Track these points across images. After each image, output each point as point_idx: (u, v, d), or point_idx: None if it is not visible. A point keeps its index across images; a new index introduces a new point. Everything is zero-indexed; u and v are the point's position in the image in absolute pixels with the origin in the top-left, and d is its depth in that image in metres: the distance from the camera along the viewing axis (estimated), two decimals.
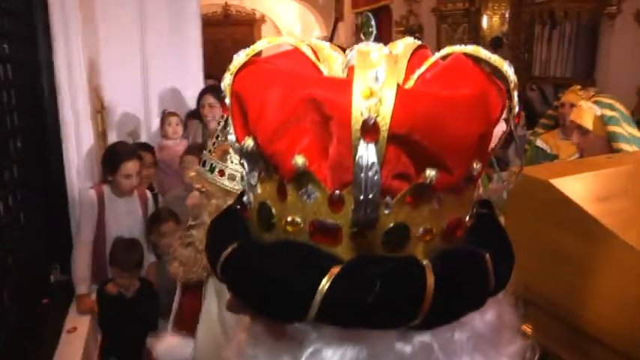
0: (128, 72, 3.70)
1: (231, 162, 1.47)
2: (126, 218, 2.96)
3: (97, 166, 3.12)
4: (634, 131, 2.36)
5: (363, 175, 0.46)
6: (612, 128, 2.35)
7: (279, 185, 0.52)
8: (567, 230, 1.16)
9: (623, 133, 2.34)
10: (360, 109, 0.46)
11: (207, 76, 4.25)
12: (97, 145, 3.23)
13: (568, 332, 1.19)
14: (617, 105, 2.41)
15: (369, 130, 0.46)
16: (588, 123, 2.39)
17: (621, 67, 4.91)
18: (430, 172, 0.49)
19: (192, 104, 3.84)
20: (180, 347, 1.64)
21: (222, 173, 1.47)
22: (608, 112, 2.37)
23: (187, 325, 1.67)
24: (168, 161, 3.43)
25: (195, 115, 3.67)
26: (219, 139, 1.50)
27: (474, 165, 0.52)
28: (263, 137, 0.51)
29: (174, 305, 1.71)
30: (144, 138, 3.73)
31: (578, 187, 1.18)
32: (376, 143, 0.47)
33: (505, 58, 0.55)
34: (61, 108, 2.83)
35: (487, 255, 0.54)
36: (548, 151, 3.11)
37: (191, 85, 3.88)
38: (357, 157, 0.47)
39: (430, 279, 0.49)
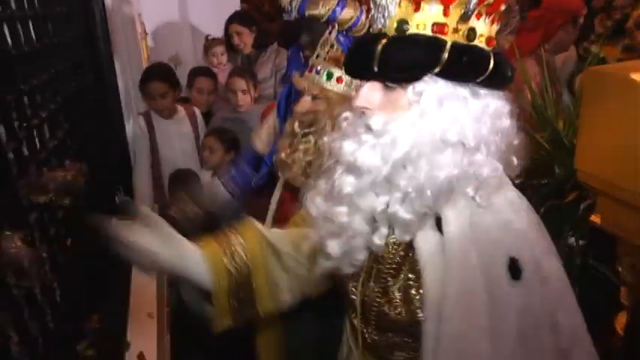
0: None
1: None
2: (177, 139, 3.08)
3: None
4: None
5: None
6: None
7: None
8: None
9: None
10: None
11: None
12: None
13: (635, 218, 1.29)
14: None
15: None
16: None
17: None
18: None
19: None
20: None
21: (340, 80, 1.51)
22: None
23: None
24: None
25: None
26: (334, 47, 1.55)
27: None
28: None
29: (272, 206, 1.81)
30: (190, 63, 3.76)
31: None
32: None
33: None
34: (112, 34, 2.87)
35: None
36: None
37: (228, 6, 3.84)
38: None
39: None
